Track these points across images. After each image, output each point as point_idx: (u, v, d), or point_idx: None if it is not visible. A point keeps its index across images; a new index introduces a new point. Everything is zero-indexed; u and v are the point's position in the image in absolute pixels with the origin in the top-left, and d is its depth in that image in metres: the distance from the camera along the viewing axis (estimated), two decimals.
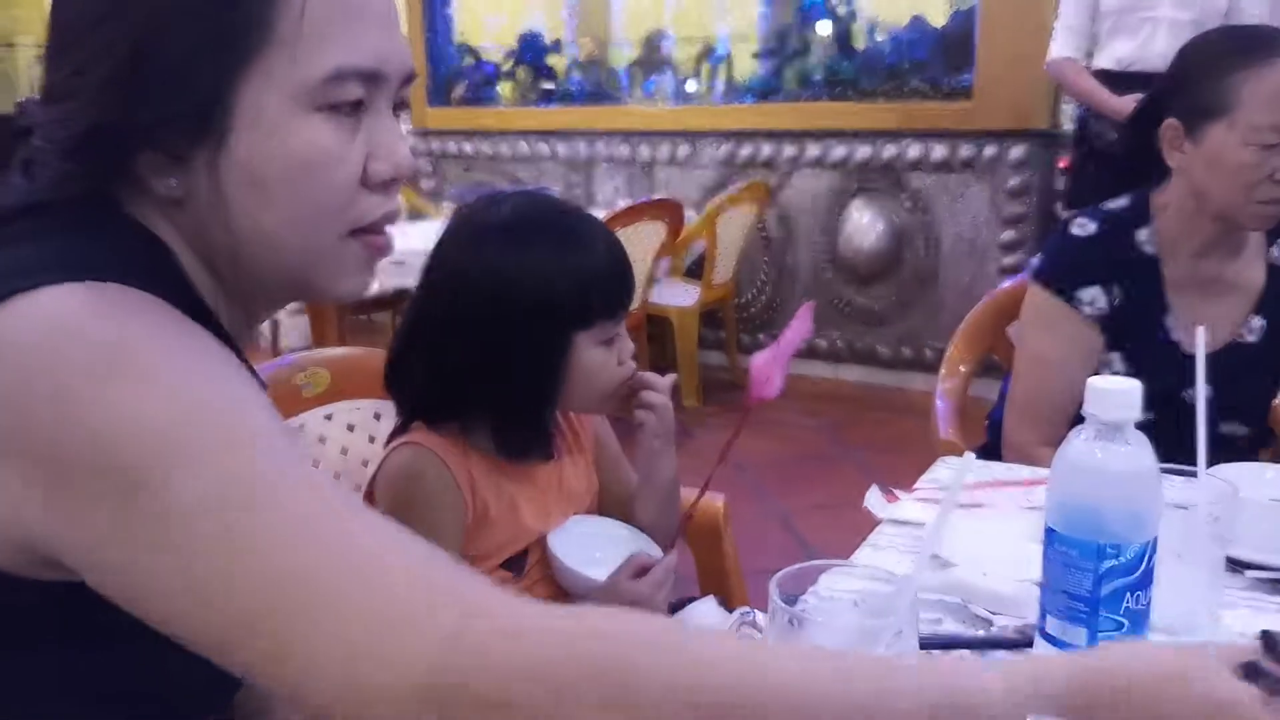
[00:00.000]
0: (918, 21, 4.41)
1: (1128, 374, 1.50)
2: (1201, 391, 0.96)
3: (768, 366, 1.12)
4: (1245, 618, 0.95)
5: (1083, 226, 1.56)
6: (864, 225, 4.28)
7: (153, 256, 0.67)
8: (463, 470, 1.13)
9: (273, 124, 0.64)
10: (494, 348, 1.10)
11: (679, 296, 4.05)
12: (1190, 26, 2.97)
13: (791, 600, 0.70)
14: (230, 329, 0.71)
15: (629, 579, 1.12)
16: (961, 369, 1.86)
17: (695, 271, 4.24)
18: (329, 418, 1.32)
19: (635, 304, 3.70)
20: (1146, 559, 0.74)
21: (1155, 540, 0.75)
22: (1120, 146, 1.74)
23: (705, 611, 1.24)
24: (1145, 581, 0.74)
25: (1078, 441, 0.75)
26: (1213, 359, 1.53)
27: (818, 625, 0.69)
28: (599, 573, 1.14)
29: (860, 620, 0.72)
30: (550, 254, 1.11)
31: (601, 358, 1.14)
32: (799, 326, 1.12)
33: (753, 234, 4.39)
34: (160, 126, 0.63)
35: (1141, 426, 0.91)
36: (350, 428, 1.33)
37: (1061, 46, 3.21)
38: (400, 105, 0.72)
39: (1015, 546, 1.03)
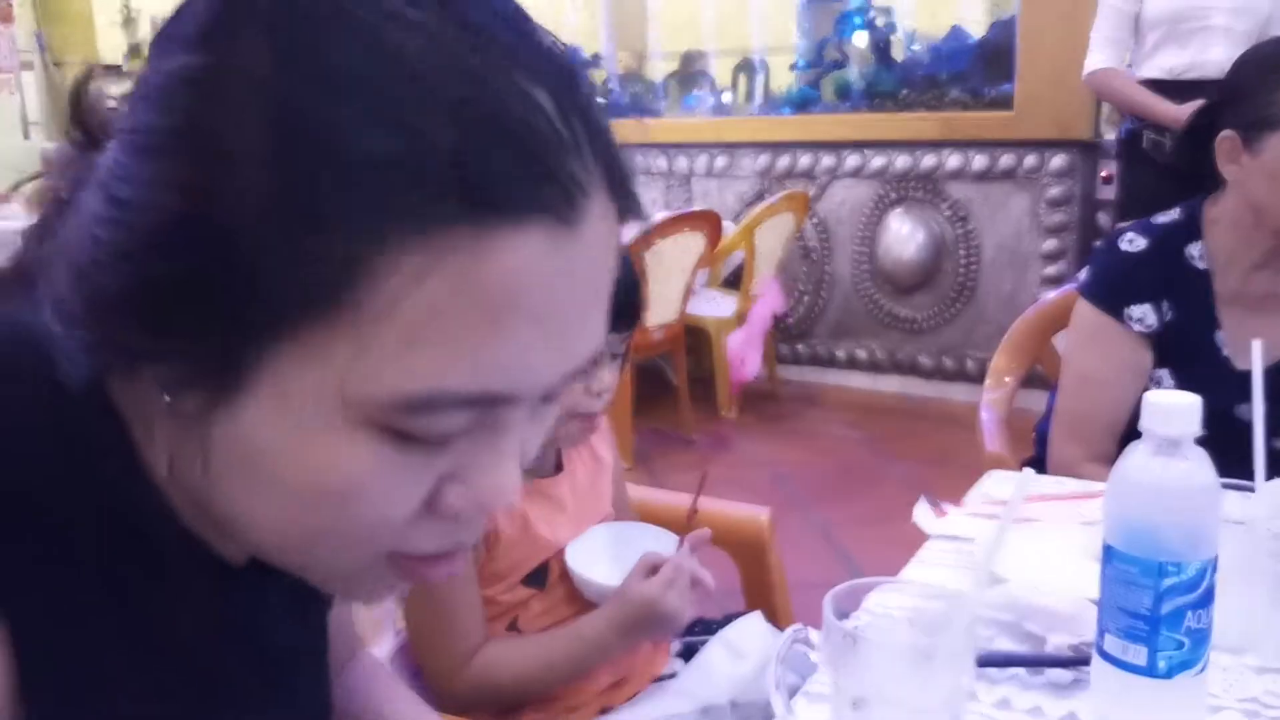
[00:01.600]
0: (957, 32, 4.39)
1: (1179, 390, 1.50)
2: (1259, 404, 0.95)
3: (741, 349, 1.12)
4: None
5: (1132, 242, 1.54)
6: (904, 235, 4.26)
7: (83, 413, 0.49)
8: None
9: (302, 416, 0.43)
10: None
11: (717, 307, 4.05)
12: (1245, 37, 2.91)
13: (844, 617, 0.69)
14: (202, 533, 0.54)
15: (640, 580, 1.11)
16: (1007, 380, 1.85)
17: (734, 282, 4.24)
18: None
19: (673, 316, 3.72)
20: (1208, 577, 0.73)
21: (1216, 558, 0.74)
22: (1175, 158, 1.71)
23: (751, 630, 1.23)
24: (1206, 600, 0.73)
25: (1136, 457, 0.75)
26: (1268, 375, 1.52)
27: (872, 643, 0.69)
28: (614, 579, 1.14)
29: (915, 638, 0.72)
30: None
31: None
32: (768, 301, 1.12)
33: (791, 245, 4.38)
34: (163, 354, 0.44)
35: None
36: None
37: (1102, 59, 3.15)
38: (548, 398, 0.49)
39: (1069, 563, 1.02)
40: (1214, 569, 0.74)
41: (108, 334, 0.44)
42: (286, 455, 0.44)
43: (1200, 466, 0.73)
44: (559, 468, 1.23)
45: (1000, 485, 1.32)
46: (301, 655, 0.67)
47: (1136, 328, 1.50)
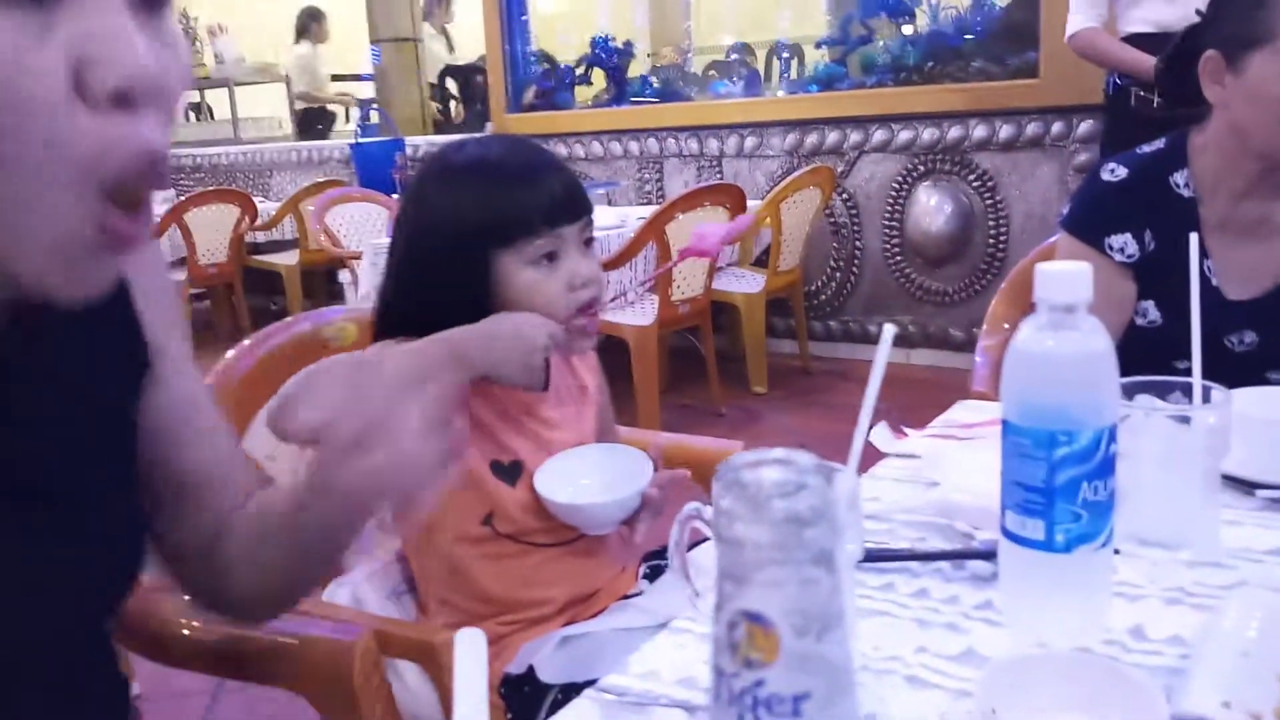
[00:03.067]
0: (980, 3, 4.34)
1: (1164, 321, 1.47)
2: (1195, 300, 0.94)
3: (713, 233, 1.12)
4: (1251, 535, 0.93)
5: (1113, 172, 1.52)
6: (932, 208, 4.22)
7: None
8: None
9: None
10: (426, 269, 1.15)
11: (745, 283, 4.05)
12: None
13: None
14: None
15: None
16: (1005, 326, 1.83)
17: (764, 261, 4.23)
18: None
19: (699, 290, 3.72)
20: (1103, 447, 0.72)
21: (1114, 428, 0.73)
22: (1158, 84, 1.68)
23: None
24: (1103, 471, 0.73)
25: (1028, 328, 0.74)
26: (1258, 305, 1.49)
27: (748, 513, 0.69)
28: (578, 499, 1.16)
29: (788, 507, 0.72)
30: (469, 175, 1.16)
31: (533, 277, 1.13)
32: (745, 219, 1.13)
33: (819, 220, 4.36)
34: None
35: (1184, 374, 0.89)
36: None
37: (1081, 19, 3.09)
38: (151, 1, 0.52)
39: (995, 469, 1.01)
40: (1112, 439, 0.73)
41: None
42: None
43: (1093, 335, 0.73)
44: (545, 386, 1.24)
45: (966, 412, 1.32)
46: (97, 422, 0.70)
47: (1117, 258, 1.47)
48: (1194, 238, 1.00)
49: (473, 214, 1.13)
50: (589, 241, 1.19)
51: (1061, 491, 0.73)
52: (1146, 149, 1.53)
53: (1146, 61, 2.93)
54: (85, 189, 0.49)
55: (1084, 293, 0.72)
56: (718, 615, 0.49)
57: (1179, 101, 1.51)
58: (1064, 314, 0.73)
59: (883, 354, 0.66)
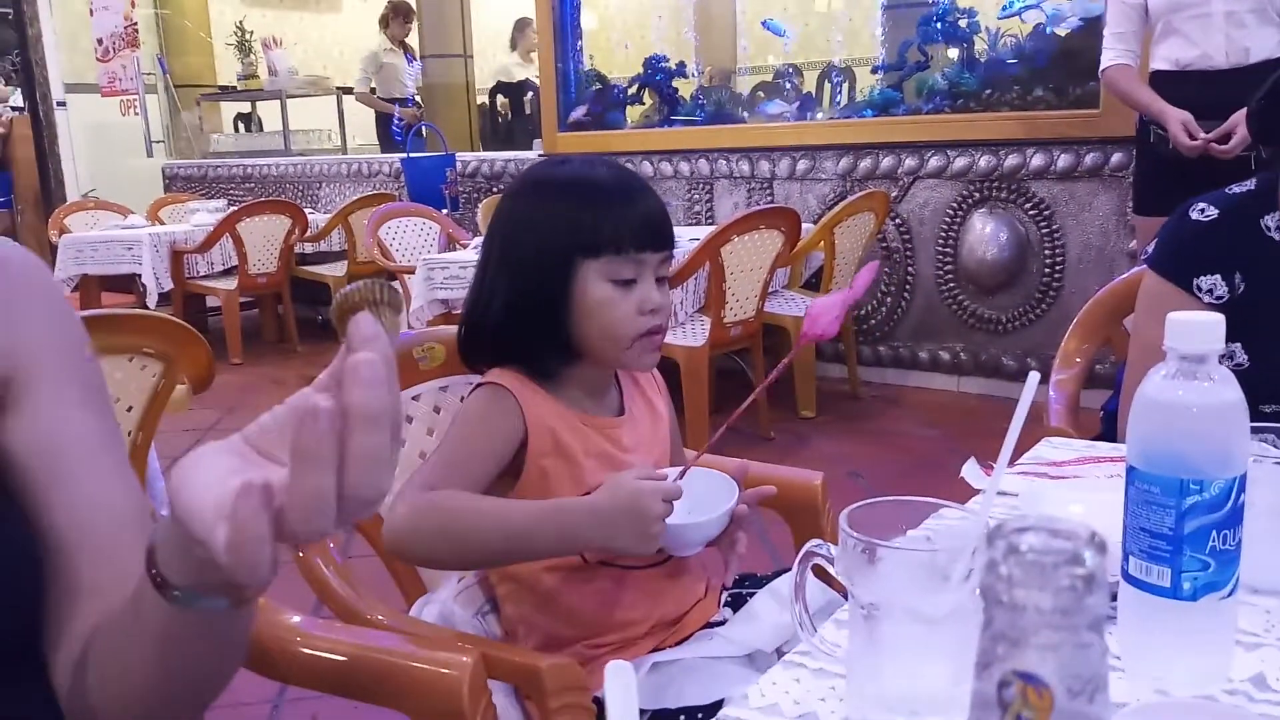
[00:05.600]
0: (1040, 30, 4.33)
1: (1251, 364, 1.46)
2: None
3: (829, 309, 1.12)
4: None
5: (1202, 212, 1.50)
6: (987, 235, 4.21)
7: None
8: (533, 404, 1.18)
9: None
10: (515, 273, 1.18)
11: (795, 306, 4.05)
12: (1250, 16, 2.88)
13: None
14: None
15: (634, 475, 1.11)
16: (1077, 361, 1.82)
17: (815, 284, 4.24)
18: (444, 389, 1.39)
19: (751, 313, 3.73)
20: (1234, 496, 0.73)
21: (1244, 477, 0.73)
22: (1251, 123, 1.67)
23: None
24: (1232, 520, 0.73)
25: (1158, 377, 0.74)
26: None
27: (890, 556, 0.70)
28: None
29: (931, 554, 0.72)
30: (571, 187, 1.19)
31: (609, 294, 1.16)
32: (864, 277, 1.12)
33: (872, 245, 4.36)
34: None
35: (1269, 418, 0.88)
36: (463, 399, 1.39)
37: (1112, 55, 3.14)
38: None
39: (1100, 508, 1.01)
40: (1242, 489, 0.73)
41: None
42: None
43: (1224, 384, 0.73)
44: (621, 411, 1.26)
45: (1054, 449, 1.32)
46: None
47: (1205, 299, 1.46)
48: None
49: (568, 220, 1.16)
50: (662, 279, 1.21)
51: (1190, 540, 0.73)
52: (1236, 189, 1.52)
53: (1156, 104, 2.99)
54: None
55: (1216, 343, 0.73)
56: (983, 673, 0.51)
57: (1269, 141, 1.51)
58: (1195, 364, 0.73)
59: (1026, 398, 0.67)
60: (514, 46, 8.28)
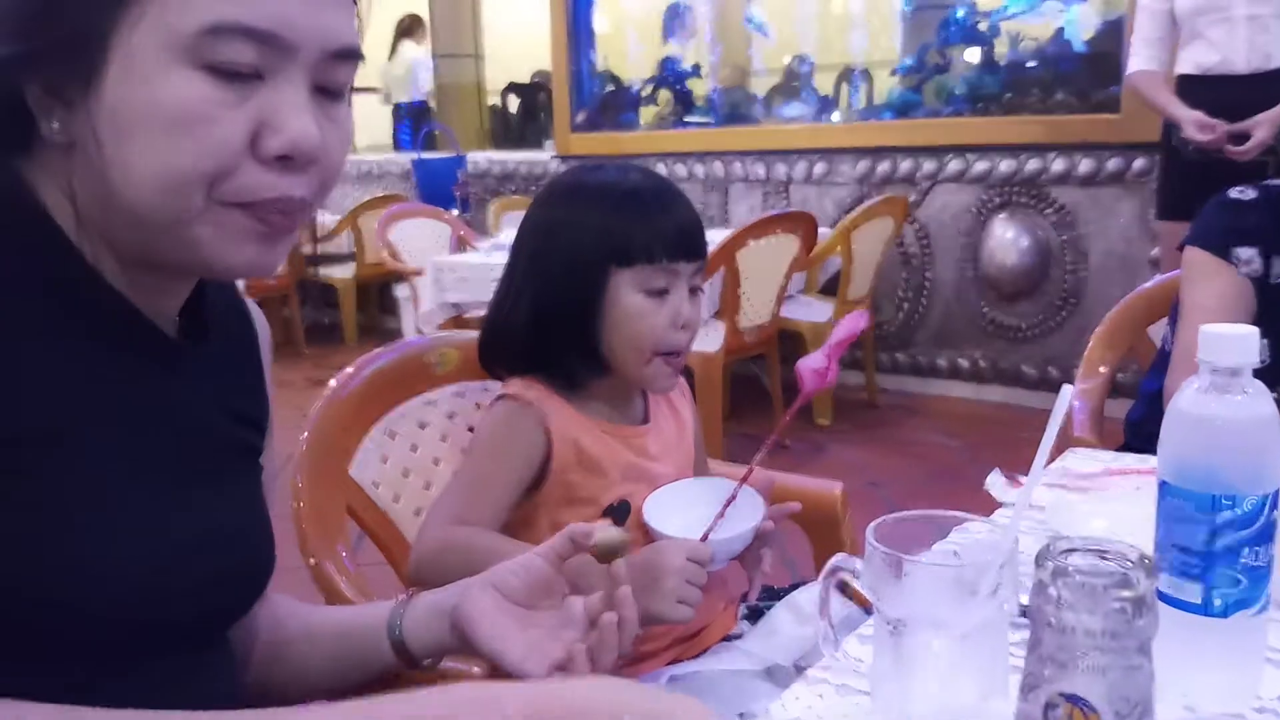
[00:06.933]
0: (1062, 34, 4.30)
1: (1273, 359, 1.44)
2: None
3: (820, 361, 1.10)
4: None
5: (1242, 192, 1.53)
6: (1007, 241, 4.17)
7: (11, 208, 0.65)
8: (556, 416, 1.17)
9: (145, 71, 0.61)
10: (545, 279, 1.17)
11: (812, 312, 4.03)
12: (1273, 20, 2.89)
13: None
14: (133, 295, 0.69)
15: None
16: (1101, 370, 1.80)
17: (832, 289, 4.21)
18: (460, 395, 1.38)
19: (767, 318, 3.71)
20: (1267, 512, 0.71)
21: (1276, 494, 0.72)
22: None
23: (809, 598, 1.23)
24: (1265, 536, 0.71)
25: (1191, 390, 0.73)
26: None
27: (917, 570, 0.69)
28: (688, 532, 1.13)
29: (959, 569, 0.71)
30: (604, 192, 1.18)
31: (641, 305, 1.15)
32: (849, 325, 1.08)
33: (890, 250, 4.33)
34: (38, 54, 0.62)
35: None
36: (478, 405, 1.38)
37: (1138, 61, 3.17)
38: (332, 90, 0.68)
39: (1127, 521, 0.99)
40: (1274, 504, 0.72)
41: None
42: (139, 105, 0.61)
43: (1258, 398, 0.72)
44: (646, 419, 1.25)
45: (1079, 461, 1.30)
46: (235, 454, 0.80)
47: (1243, 270, 1.47)
48: None
49: (601, 227, 1.15)
50: (695, 290, 1.20)
51: (1222, 556, 0.72)
52: (1275, 182, 1.53)
53: (1171, 105, 3.07)
54: (238, 206, 0.65)
55: (1250, 356, 0.71)
56: (1030, 694, 0.50)
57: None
58: (1229, 377, 0.72)
59: (1060, 410, 0.65)
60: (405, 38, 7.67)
